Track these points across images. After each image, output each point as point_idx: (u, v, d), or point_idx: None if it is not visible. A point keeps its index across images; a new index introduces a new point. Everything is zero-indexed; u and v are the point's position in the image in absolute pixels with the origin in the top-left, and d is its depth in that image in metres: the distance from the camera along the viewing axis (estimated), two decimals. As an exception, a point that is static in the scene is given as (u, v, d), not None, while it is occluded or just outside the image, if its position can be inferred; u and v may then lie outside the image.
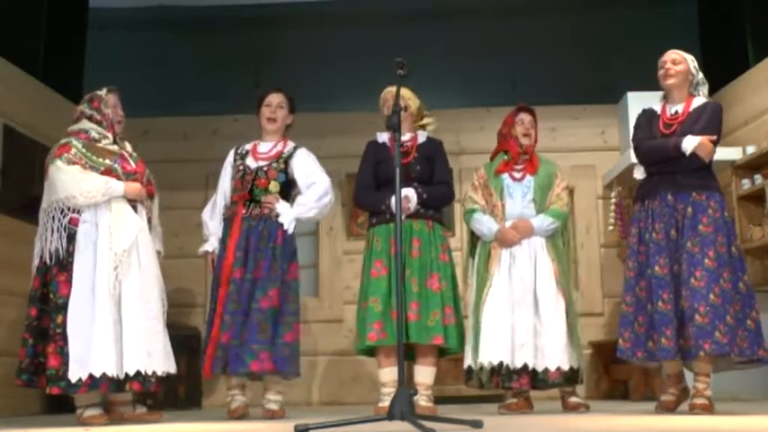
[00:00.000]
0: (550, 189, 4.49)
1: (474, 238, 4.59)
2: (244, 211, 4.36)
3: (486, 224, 4.45)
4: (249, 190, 4.38)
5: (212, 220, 4.51)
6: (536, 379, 4.26)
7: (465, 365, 4.36)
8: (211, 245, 4.46)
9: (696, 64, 4.18)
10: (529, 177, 4.48)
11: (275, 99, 4.52)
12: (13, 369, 3.95)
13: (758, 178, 5.44)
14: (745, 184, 5.57)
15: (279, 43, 7.05)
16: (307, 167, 4.51)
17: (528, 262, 4.36)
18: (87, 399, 3.86)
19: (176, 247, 6.06)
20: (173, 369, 4.03)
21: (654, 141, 4.06)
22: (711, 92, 6.41)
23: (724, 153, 5.74)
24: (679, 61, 4.13)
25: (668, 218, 3.96)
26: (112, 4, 6.91)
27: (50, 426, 3.85)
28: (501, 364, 4.23)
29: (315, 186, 4.47)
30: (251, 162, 4.46)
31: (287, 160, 4.49)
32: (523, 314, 4.26)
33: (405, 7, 7.16)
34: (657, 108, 4.21)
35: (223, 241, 4.39)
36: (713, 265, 3.78)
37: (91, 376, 3.71)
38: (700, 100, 4.13)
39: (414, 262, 4.27)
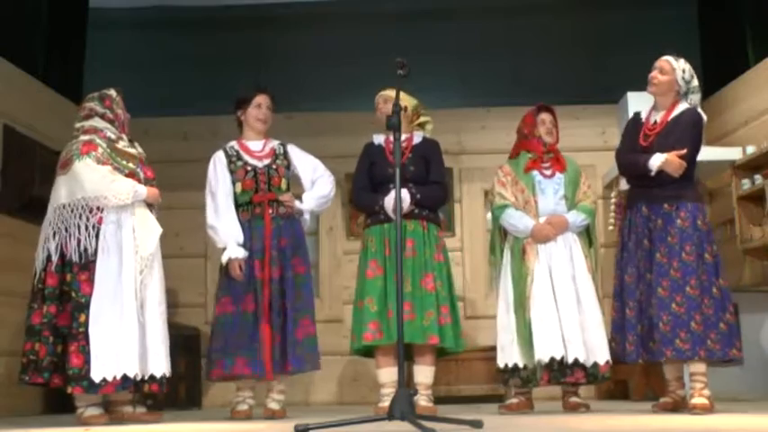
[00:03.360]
0: (578, 186, 4.53)
1: (501, 235, 4.57)
2: (270, 211, 4.35)
3: (521, 220, 4.43)
4: (269, 189, 4.37)
5: (227, 225, 4.30)
6: (587, 374, 4.27)
7: (504, 364, 4.33)
8: (240, 251, 4.25)
9: (688, 73, 4.13)
10: (559, 174, 4.50)
11: (264, 100, 4.51)
12: (14, 369, 3.94)
13: (758, 178, 5.44)
14: (745, 184, 5.56)
15: (279, 43, 7.05)
16: (310, 162, 4.58)
17: (565, 257, 4.38)
18: (88, 398, 3.86)
19: (176, 246, 6.07)
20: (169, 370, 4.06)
21: (628, 157, 4.17)
22: (711, 92, 6.46)
23: (724, 153, 5.75)
24: (667, 71, 4.14)
25: (642, 229, 4.08)
26: (112, 4, 6.90)
27: (50, 426, 3.86)
28: (554, 359, 4.22)
29: (323, 180, 4.55)
30: (254, 161, 4.44)
31: (286, 156, 4.52)
32: (568, 309, 4.28)
33: (405, 7, 7.16)
34: (644, 114, 4.27)
35: (251, 243, 4.29)
36: (677, 275, 3.90)
37: (125, 376, 3.75)
38: (681, 107, 4.13)
39: (407, 262, 4.26)
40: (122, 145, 4.09)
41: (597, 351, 4.25)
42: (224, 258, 4.28)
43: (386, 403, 3.94)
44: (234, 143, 4.52)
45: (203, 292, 6.50)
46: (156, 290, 3.95)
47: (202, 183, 6.57)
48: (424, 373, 4.38)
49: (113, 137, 4.08)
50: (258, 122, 4.49)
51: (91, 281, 3.82)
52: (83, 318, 3.78)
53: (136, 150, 4.16)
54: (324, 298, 6.50)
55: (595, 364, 4.25)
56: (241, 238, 4.28)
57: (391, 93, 4.51)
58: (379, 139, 4.61)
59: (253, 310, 4.23)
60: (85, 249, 3.85)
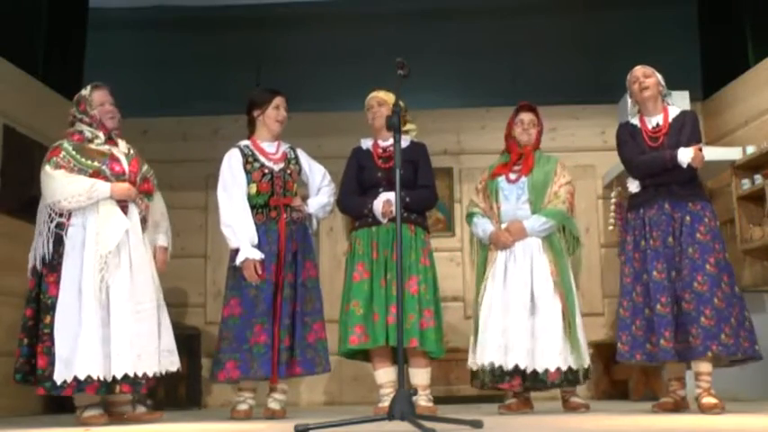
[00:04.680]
0: (547, 187, 4.46)
1: (478, 240, 4.60)
2: (285, 216, 4.35)
3: (481, 227, 4.49)
4: (284, 194, 4.37)
5: (243, 226, 4.26)
6: (536, 380, 4.26)
7: (468, 366, 4.41)
8: (256, 253, 4.22)
9: (660, 76, 4.26)
10: (523, 178, 4.47)
11: (282, 102, 4.51)
12: (12, 369, 3.95)
13: (758, 178, 5.43)
14: (745, 184, 5.56)
15: (279, 43, 7.05)
16: (318, 170, 4.61)
17: (524, 263, 4.36)
18: (87, 399, 3.86)
19: (176, 247, 6.01)
20: (174, 367, 4.03)
21: (648, 156, 4.14)
22: (711, 92, 6.46)
23: (724, 153, 5.74)
24: (649, 74, 4.23)
25: (665, 226, 4.06)
26: (112, 4, 6.90)
27: (50, 426, 3.86)
28: (493, 365, 4.24)
29: (328, 189, 4.60)
30: (270, 164, 4.42)
31: (297, 161, 4.53)
32: (518, 316, 4.26)
33: (405, 7, 7.16)
34: (634, 122, 4.29)
35: (265, 246, 4.27)
36: (714, 270, 3.92)
37: (76, 378, 3.71)
38: (675, 110, 4.23)
39: (393, 264, 4.24)
40: (96, 143, 4.06)
41: (549, 358, 4.20)
42: (239, 259, 4.24)
43: (385, 403, 3.94)
44: (248, 142, 4.49)
45: (203, 292, 6.50)
46: (123, 286, 3.88)
47: (202, 183, 6.57)
48: (419, 376, 4.37)
49: (90, 136, 4.06)
50: (277, 124, 4.48)
51: (57, 283, 3.83)
52: (48, 319, 3.79)
53: (108, 147, 4.09)
54: (324, 298, 6.48)
55: (546, 371, 4.21)
56: (256, 240, 4.27)
57: (384, 95, 4.50)
58: (367, 143, 4.60)
59: (266, 313, 4.21)
60: (44, 255, 3.88)
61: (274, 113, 4.48)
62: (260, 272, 4.22)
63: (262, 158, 4.42)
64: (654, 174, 4.11)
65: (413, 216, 4.40)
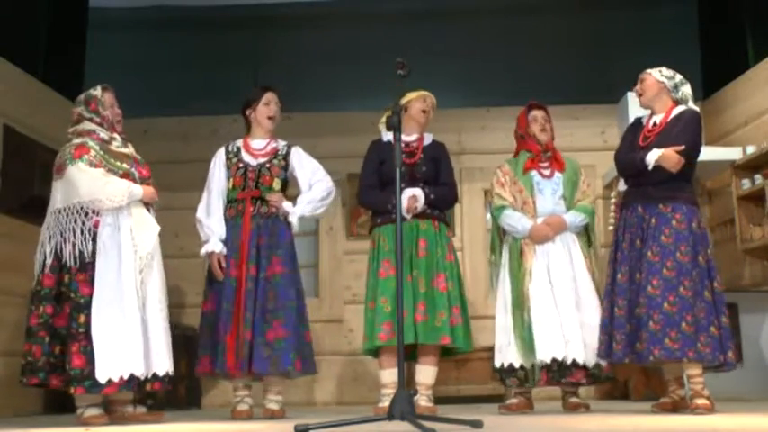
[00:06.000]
0: (577, 186, 4.52)
1: (500, 235, 4.57)
2: (252, 209, 4.34)
3: (519, 220, 4.42)
4: (255, 187, 4.38)
5: (211, 220, 4.37)
6: (587, 374, 4.28)
7: (500, 364, 4.34)
8: (217, 245, 4.31)
9: (667, 71, 4.23)
10: (558, 174, 4.51)
11: (273, 98, 4.52)
12: (14, 369, 3.94)
13: (758, 178, 5.43)
14: (745, 184, 5.56)
15: (279, 43, 7.05)
16: (309, 165, 4.55)
17: (564, 257, 4.39)
18: (88, 398, 3.86)
19: (176, 247, 6.06)
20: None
21: (626, 156, 4.18)
22: (711, 92, 6.46)
23: (724, 153, 5.75)
24: (644, 78, 4.25)
25: (636, 228, 4.09)
26: (112, 4, 6.90)
27: (50, 426, 3.85)
28: (555, 360, 4.22)
29: (320, 184, 4.51)
30: (249, 159, 4.44)
31: (285, 158, 4.50)
32: (568, 309, 4.28)
33: (405, 7, 7.16)
34: (643, 119, 4.31)
35: (231, 240, 4.32)
36: (671, 274, 3.89)
37: (122, 376, 3.74)
38: (679, 109, 4.18)
39: (420, 262, 4.28)
40: (115, 146, 4.08)
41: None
42: (201, 252, 4.36)
43: (386, 403, 3.94)
44: (239, 141, 4.54)
45: (202, 291, 6.49)
46: (155, 288, 3.97)
47: (202, 183, 6.59)
48: (426, 373, 4.38)
49: (106, 137, 4.07)
50: (267, 120, 4.49)
51: (89, 282, 3.82)
52: (82, 318, 3.78)
53: (129, 150, 4.15)
54: (324, 298, 6.49)
55: (597, 365, 4.24)
56: (223, 235, 4.33)
57: (428, 93, 4.59)
58: (387, 136, 4.55)
59: (227, 308, 4.23)
60: (81, 253, 3.85)
61: (265, 110, 4.49)
62: (223, 265, 4.28)
63: (243, 154, 4.46)
64: (630, 174, 4.17)
65: (435, 212, 4.43)
